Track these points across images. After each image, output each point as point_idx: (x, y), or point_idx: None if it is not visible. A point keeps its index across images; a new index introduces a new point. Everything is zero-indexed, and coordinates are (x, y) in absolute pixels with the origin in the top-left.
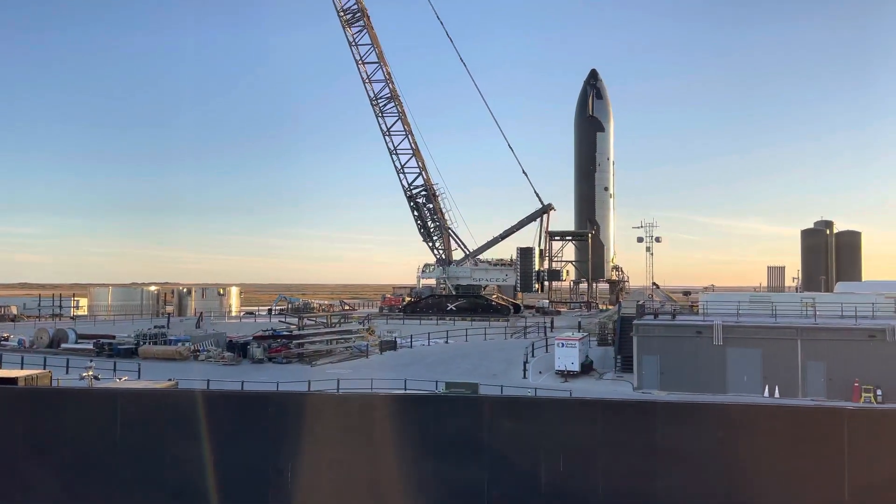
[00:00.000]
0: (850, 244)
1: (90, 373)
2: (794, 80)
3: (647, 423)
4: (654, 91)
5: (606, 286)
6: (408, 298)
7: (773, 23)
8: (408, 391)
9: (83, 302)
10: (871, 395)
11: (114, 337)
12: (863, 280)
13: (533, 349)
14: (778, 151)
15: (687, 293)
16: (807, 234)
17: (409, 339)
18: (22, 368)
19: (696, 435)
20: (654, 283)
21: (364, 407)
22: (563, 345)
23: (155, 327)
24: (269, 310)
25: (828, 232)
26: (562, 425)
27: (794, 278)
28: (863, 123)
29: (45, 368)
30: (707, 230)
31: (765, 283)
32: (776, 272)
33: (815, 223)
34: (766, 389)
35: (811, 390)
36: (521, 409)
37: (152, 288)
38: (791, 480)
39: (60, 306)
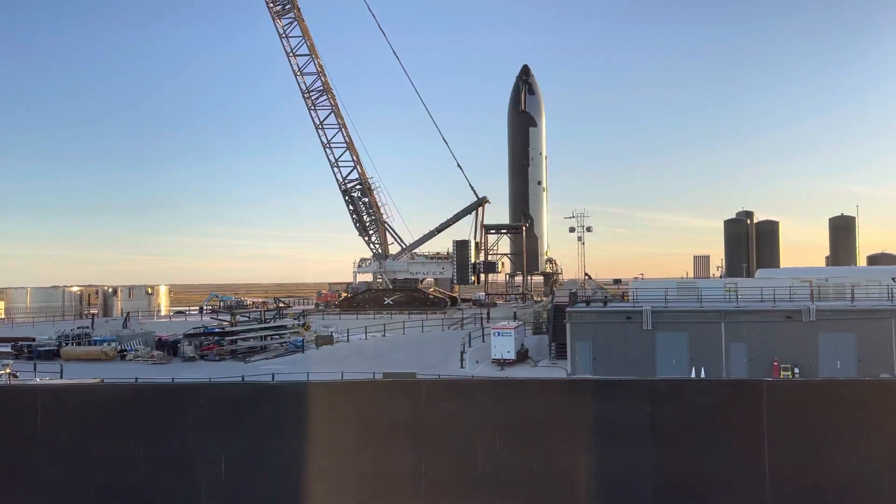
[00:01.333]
0: (769, 233)
1: (8, 370)
2: (719, 86)
3: (578, 401)
4: (585, 89)
5: (541, 279)
6: (344, 294)
7: (698, 24)
8: (344, 380)
9: None
10: (790, 372)
11: (34, 339)
12: (781, 266)
13: (470, 339)
14: (703, 148)
15: (618, 282)
16: (729, 224)
17: (345, 334)
18: None
19: (626, 411)
20: (586, 274)
21: (298, 395)
22: (498, 334)
23: (78, 328)
24: (201, 308)
25: (749, 222)
26: (496, 406)
27: (718, 266)
28: (781, 125)
29: None
30: (637, 223)
31: (692, 272)
32: (702, 261)
33: (737, 213)
34: (693, 371)
35: (734, 370)
36: (457, 391)
37: (74, 289)
38: (715, 449)
39: None
